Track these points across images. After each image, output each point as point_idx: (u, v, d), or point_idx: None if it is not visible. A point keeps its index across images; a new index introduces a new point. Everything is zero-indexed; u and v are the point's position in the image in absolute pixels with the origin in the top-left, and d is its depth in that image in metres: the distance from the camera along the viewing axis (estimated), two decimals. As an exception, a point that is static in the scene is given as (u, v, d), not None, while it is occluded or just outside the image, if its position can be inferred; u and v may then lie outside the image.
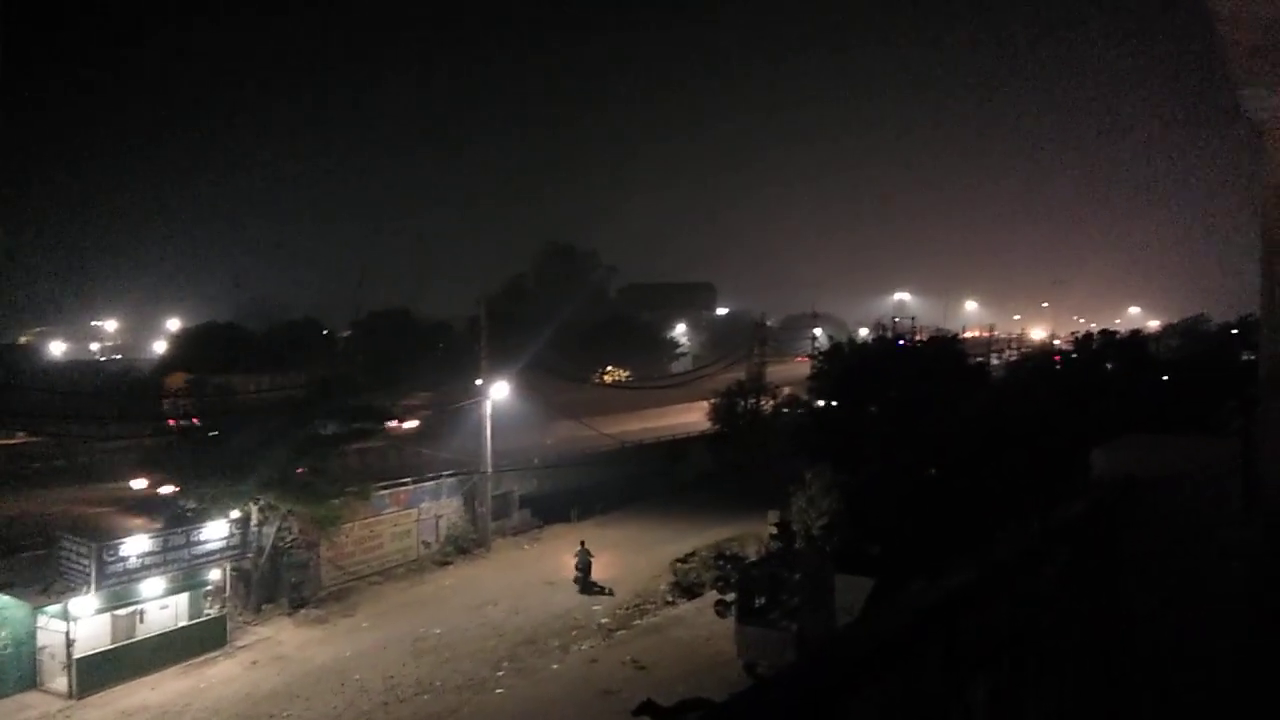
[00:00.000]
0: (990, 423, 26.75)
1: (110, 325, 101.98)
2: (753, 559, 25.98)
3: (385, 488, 31.16)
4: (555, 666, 22.38)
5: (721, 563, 26.64)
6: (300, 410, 28.30)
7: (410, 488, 32.69)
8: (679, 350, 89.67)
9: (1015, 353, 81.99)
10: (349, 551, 29.47)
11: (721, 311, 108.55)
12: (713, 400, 48.99)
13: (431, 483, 33.63)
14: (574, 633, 24.66)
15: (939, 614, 2.34)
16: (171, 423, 31.36)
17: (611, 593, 28.14)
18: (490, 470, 34.25)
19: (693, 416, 51.44)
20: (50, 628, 21.31)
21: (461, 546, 33.28)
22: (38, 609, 21.20)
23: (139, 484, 27.16)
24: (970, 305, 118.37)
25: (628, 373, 74.29)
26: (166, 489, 25.53)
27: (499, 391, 34.54)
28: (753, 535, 32.45)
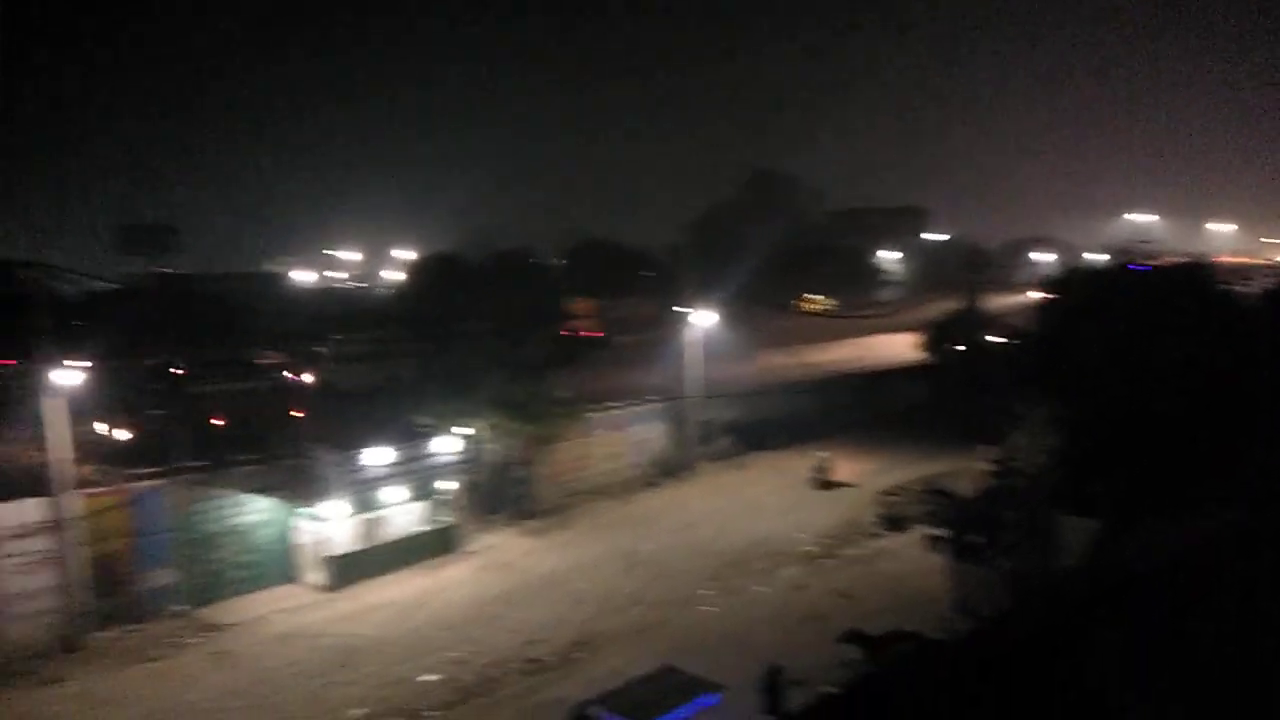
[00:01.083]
0: (1237, 356, 24.31)
1: (349, 255, 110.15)
2: (966, 495, 25.16)
3: (596, 410, 32.43)
4: (760, 589, 22.78)
5: (933, 497, 25.98)
6: (516, 335, 29.81)
7: (620, 411, 33.84)
8: (887, 278, 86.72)
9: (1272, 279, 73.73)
10: (564, 470, 31.03)
11: (934, 237, 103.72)
12: (922, 330, 47.30)
13: (639, 407, 34.67)
14: (779, 558, 24.95)
15: (1201, 556, 2.22)
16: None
17: (854, 486, 30.67)
18: (694, 397, 34.84)
19: (900, 347, 49.93)
20: (306, 528, 23.85)
21: (667, 470, 34.25)
22: (296, 511, 23.72)
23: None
24: (1218, 227, 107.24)
25: (833, 301, 72.81)
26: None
27: (702, 319, 34.81)
28: (965, 470, 31.41)
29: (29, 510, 19.58)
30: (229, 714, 16.87)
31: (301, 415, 28.67)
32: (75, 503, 19.98)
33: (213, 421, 27.13)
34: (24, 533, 19.48)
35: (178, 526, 21.89)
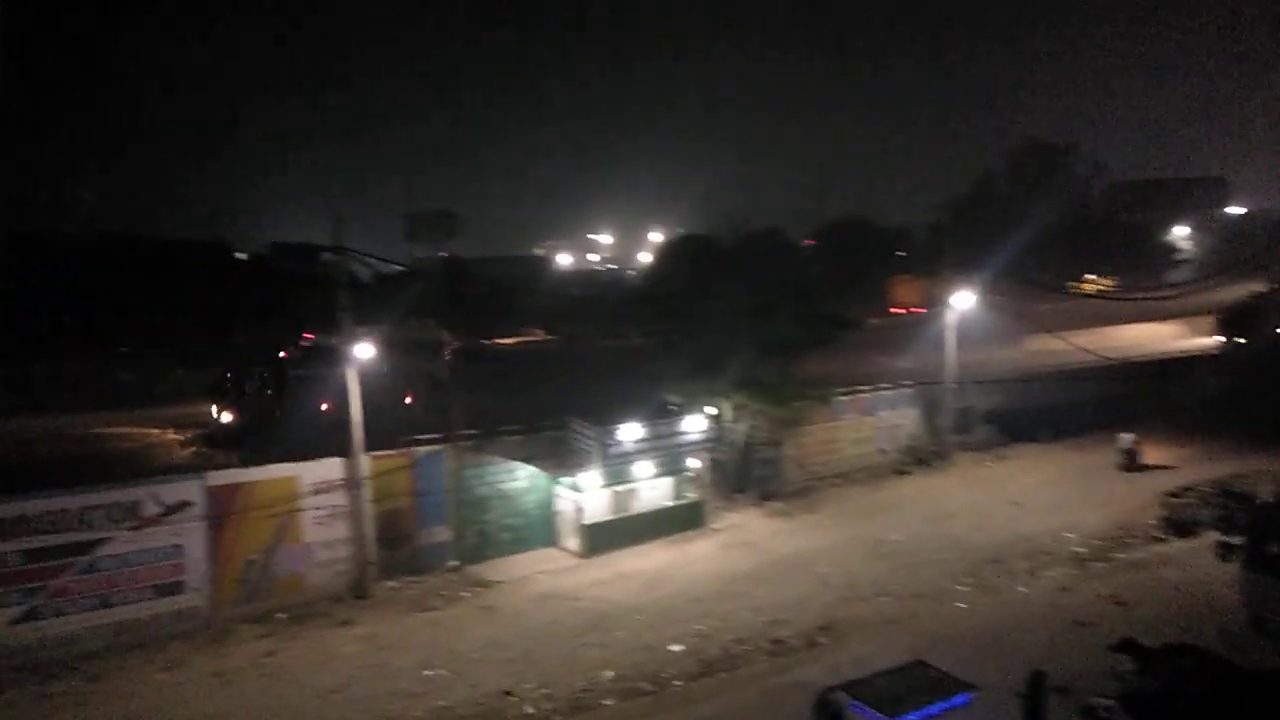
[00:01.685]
0: None
1: (605, 238, 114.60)
2: (1266, 499, 22.37)
3: (845, 394, 31.79)
4: (1021, 589, 21.46)
5: (1227, 500, 23.32)
6: (765, 316, 29.67)
7: (869, 395, 32.97)
8: (1178, 256, 78.46)
9: None
10: (811, 452, 30.71)
11: (1235, 211, 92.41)
12: (1219, 315, 42.40)
13: (890, 391, 33.60)
14: (1043, 557, 23.37)
15: None
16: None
17: (1170, 468, 30.16)
18: (951, 383, 33.26)
19: (1190, 333, 45.04)
20: (564, 496, 25.17)
21: (920, 457, 32.99)
22: (555, 479, 25.08)
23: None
24: None
25: (1113, 281, 66.87)
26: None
27: (963, 300, 33.07)
28: (1267, 472, 28.01)
29: (329, 469, 22.00)
30: (494, 664, 18.17)
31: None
32: (366, 463, 22.22)
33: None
34: (324, 489, 21.92)
35: (453, 488, 23.82)
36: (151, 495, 19.75)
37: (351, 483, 22.04)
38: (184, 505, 20.03)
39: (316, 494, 21.79)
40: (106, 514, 19.25)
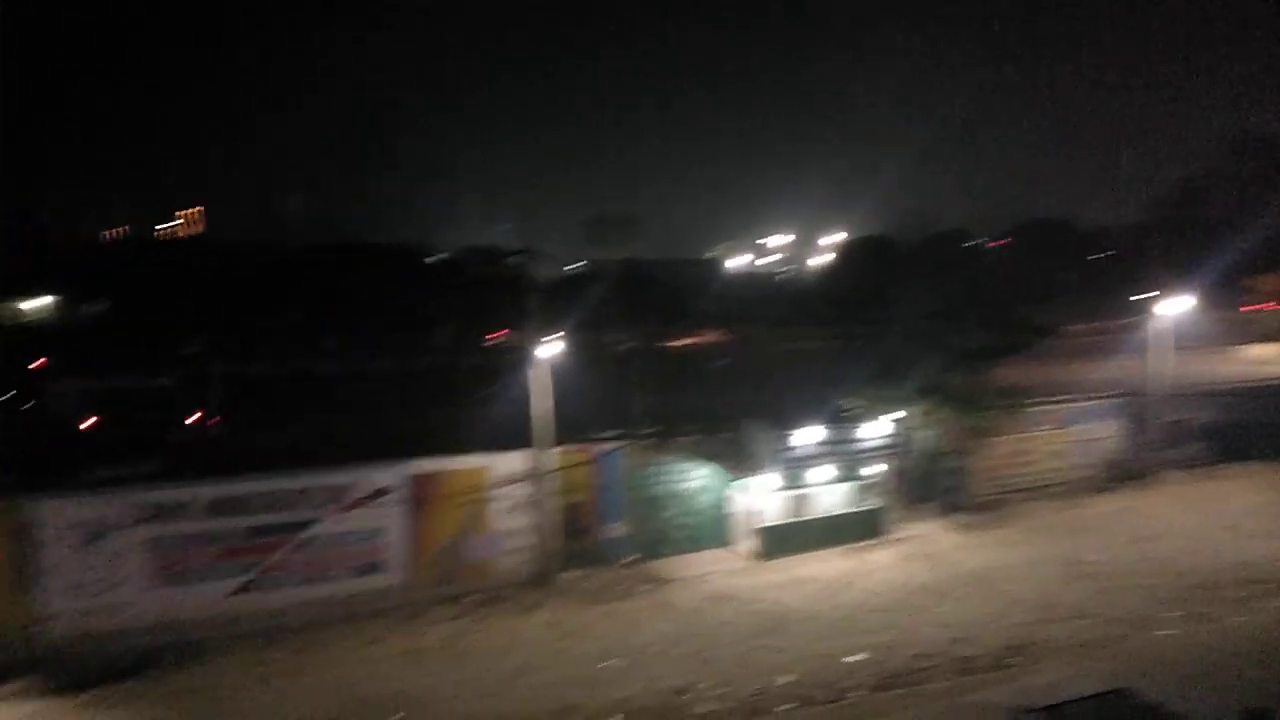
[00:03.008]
0: None
1: (779, 240, 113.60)
2: None
3: (1039, 404, 30.18)
4: (1238, 619, 19.70)
5: None
6: (951, 320, 28.62)
7: (1067, 407, 31.15)
8: None
9: None
10: (1000, 464, 29.31)
11: None
12: None
13: (1091, 403, 31.61)
14: (1264, 585, 21.39)
15: None
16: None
17: None
18: (1157, 395, 30.94)
19: None
20: (739, 498, 25.16)
21: (1122, 474, 30.83)
22: (731, 481, 25.11)
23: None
24: None
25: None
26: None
27: (1173, 307, 30.69)
28: None
29: (517, 461, 22.90)
30: (669, 660, 18.40)
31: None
32: (552, 457, 22.99)
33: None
34: (512, 480, 22.83)
35: (631, 485, 24.29)
36: (359, 480, 21.22)
37: (537, 475, 22.86)
38: (387, 490, 21.41)
39: (505, 484, 22.73)
40: (319, 496, 20.85)
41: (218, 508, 20.02)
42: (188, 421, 28.96)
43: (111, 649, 18.68)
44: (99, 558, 19.06)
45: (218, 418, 29.37)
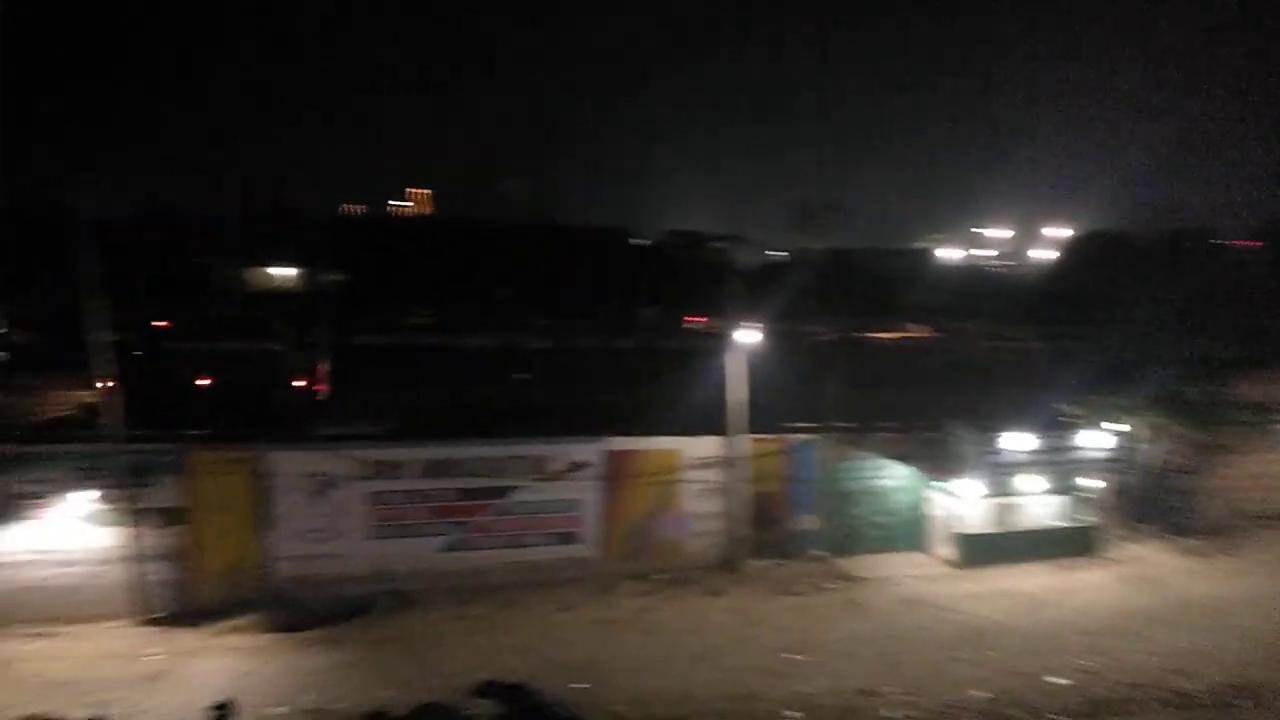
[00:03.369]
0: None
1: (996, 233, 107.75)
2: None
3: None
4: None
5: None
6: (1193, 327, 26.19)
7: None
8: None
9: None
10: (1236, 486, 26.61)
11: None
12: None
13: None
14: None
15: None
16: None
17: None
18: None
19: None
20: (938, 501, 24.19)
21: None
22: (930, 483, 24.18)
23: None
24: None
25: None
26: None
27: None
28: None
29: (710, 445, 23.03)
30: (856, 660, 18.01)
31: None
32: (744, 444, 22.96)
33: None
34: (704, 464, 22.99)
35: (823, 479, 23.89)
36: (560, 453, 22.05)
37: (729, 461, 22.91)
38: (585, 465, 22.13)
39: (696, 468, 22.94)
40: (522, 465, 21.84)
41: (432, 469, 21.35)
42: (294, 384, 29.89)
43: (330, 593, 20.38)
44: (325, 508, 20.79)
45: (323, 383, 29.91)
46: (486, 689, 14.89)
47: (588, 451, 22.26)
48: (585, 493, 22.26)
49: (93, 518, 19.31)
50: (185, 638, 18.51)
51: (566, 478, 22.11)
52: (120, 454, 18.95)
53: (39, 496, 19.14)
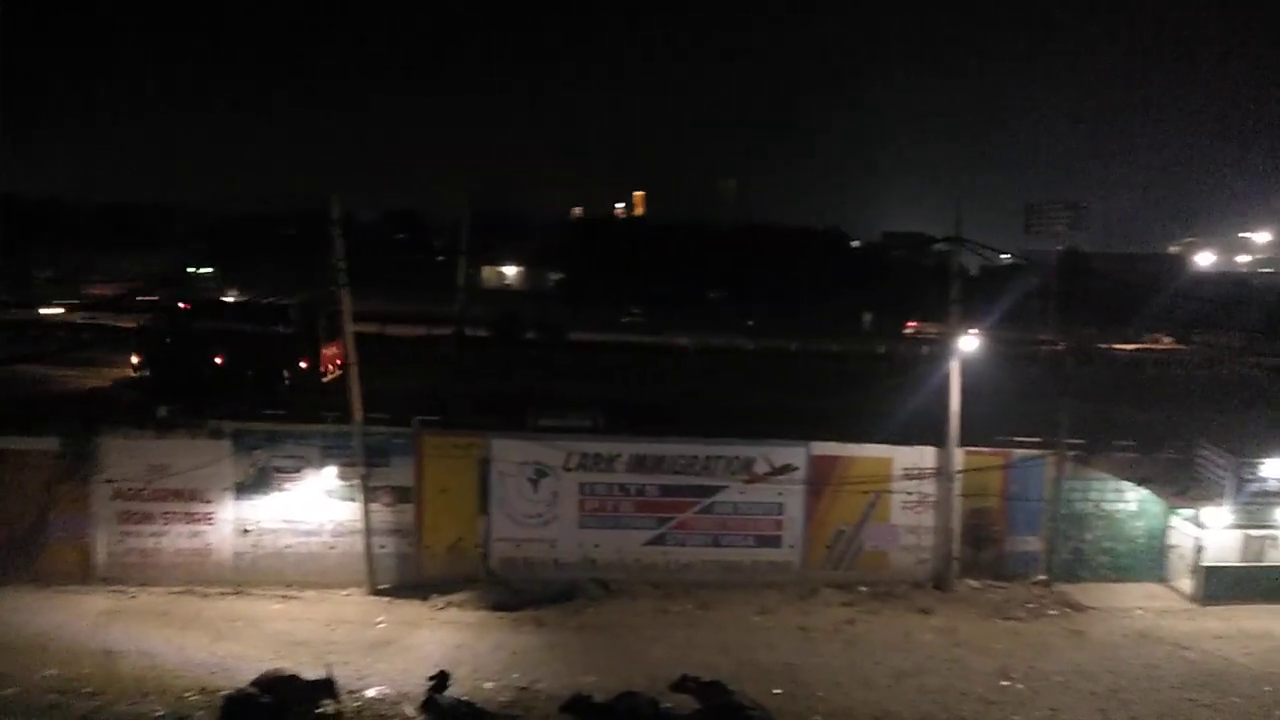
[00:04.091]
0: None
1: (1262, 237, 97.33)
2: None
3: None
4: None
5: None
6: None
7: None
8: None
9: None
10: None
11: None
12: None
13: None
14: None
15: None
16: None
17: None
18: None
19: None
20: (1181, 529, 22.05)
21: None
22: (1172, 509, 22.08)
23: None
24: None
25: None
26: None
27: None
28: None
29: (921, 456, 22.12)
30: (1077, 693, 16.77)
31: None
32: (962, 457, 21.88)
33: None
34: (917, 475, 22.12)
35: (1049, 499, 22.35)
36: (764, 455, 21.90)
37: (943, 473, 21.92)
38: (789, 468, 21.86)
39: (907, 479, 22.11)
40: (726, 465, 21.87)
41: (638, 464, 21.79)
42: (301, 365, 30.79)
43: (540, 577, 21.24)
44: (539, 495, 21.70)
45: (333, 366, 30.20)
46: (684, 684, 15.00)
47: (793, 454, 21.97)
48: (789, 497, 21.98)
49: (334, 493, 21.09)
50: (409, 609, 19.87)
51: (771, 480, 21.92)
52: (360, 435, 20.57)
53: (289, 471, 21.12)
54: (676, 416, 25.71)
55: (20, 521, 20.59)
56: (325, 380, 30.20)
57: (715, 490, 21.90)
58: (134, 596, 19.91)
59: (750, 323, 57.42)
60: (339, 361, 26.65)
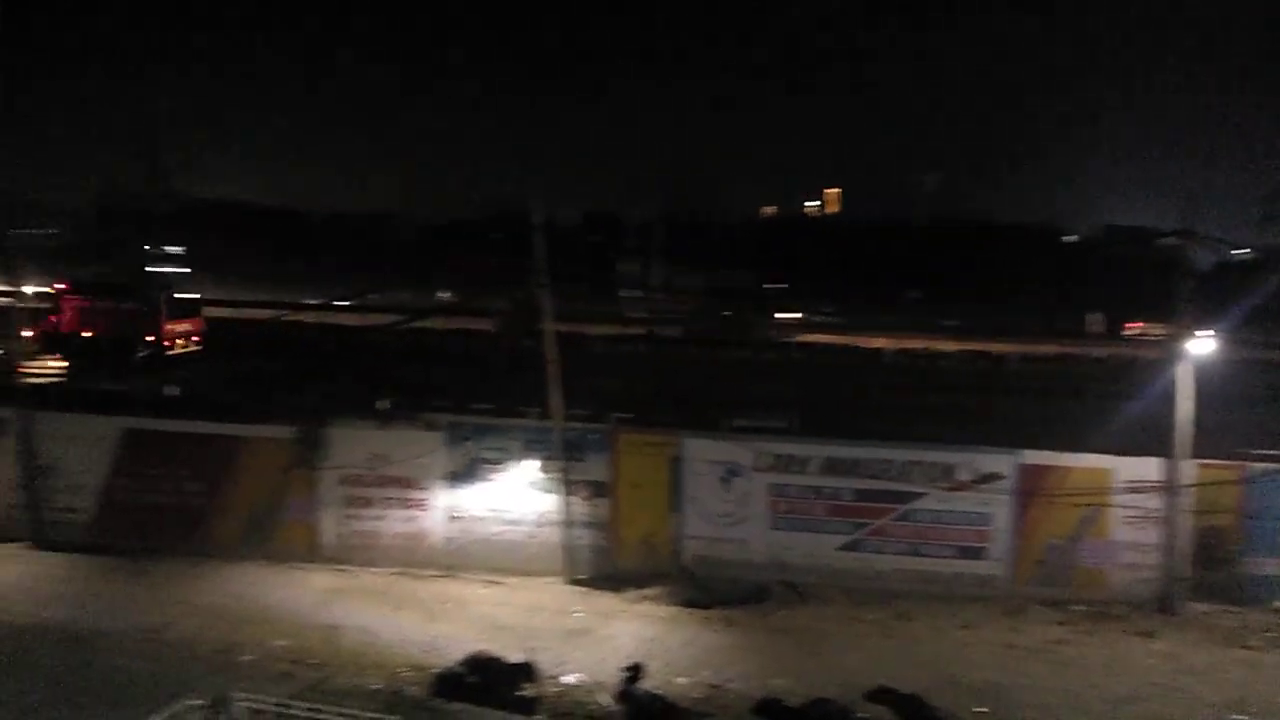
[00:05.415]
0: None
1: None
2: None
3: None
4: None
5: None
6: None
7: None
8: None
9: None
10: None
11: None
12: None
13: None
14: None
15: None
16: None
17: None
18: None
19: None
20: None
21: None
22: None
23: None
24: None
25: None
26: None
27: None
28: None
29: (1148, 468, 20.44)
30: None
31: None
32: (1191, 470, 20.08)
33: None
34: (1140, 488, 20.47)
35: (1293, 518, 20.15)
36: (967, 461, 20.95)
37: (1170, 487, 20.19)
38: (995, 476, 20.79)
39: (1129, 492, 20.53)
40: (925, 471, 21.08)
41: (832, 466, 21.38)
42: (147, 339, 34.71)
43: (730, 577, 21.22)
44: (730, 495, 21.71)
45: (179, 342, 35.49)
46: (881, 695, 14.61)
47: (1001, 462, 20.87)
48: (995, 507, 20.89)
49: (535, 485, 21.95)
50: (605, 600, 20.40)
51: (975, 489, 20.93)
52: (559, 430, 21.31)
53: (494, 462, 22.16)
54: (872, 419, 25.04)
55: (259, 502, 22.70)
56: (170, 354, 35.03)
57: (914, 497, 21.14)
58: (355, 576, 21.48)
59: (952, 323, 55.11)
60: (185, 339, 34.78)
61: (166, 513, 22.83)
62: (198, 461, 23.03)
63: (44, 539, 22.81)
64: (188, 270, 76.95)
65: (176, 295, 37.06)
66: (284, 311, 56.66)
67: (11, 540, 22.81)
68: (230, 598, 19.84)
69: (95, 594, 19.98)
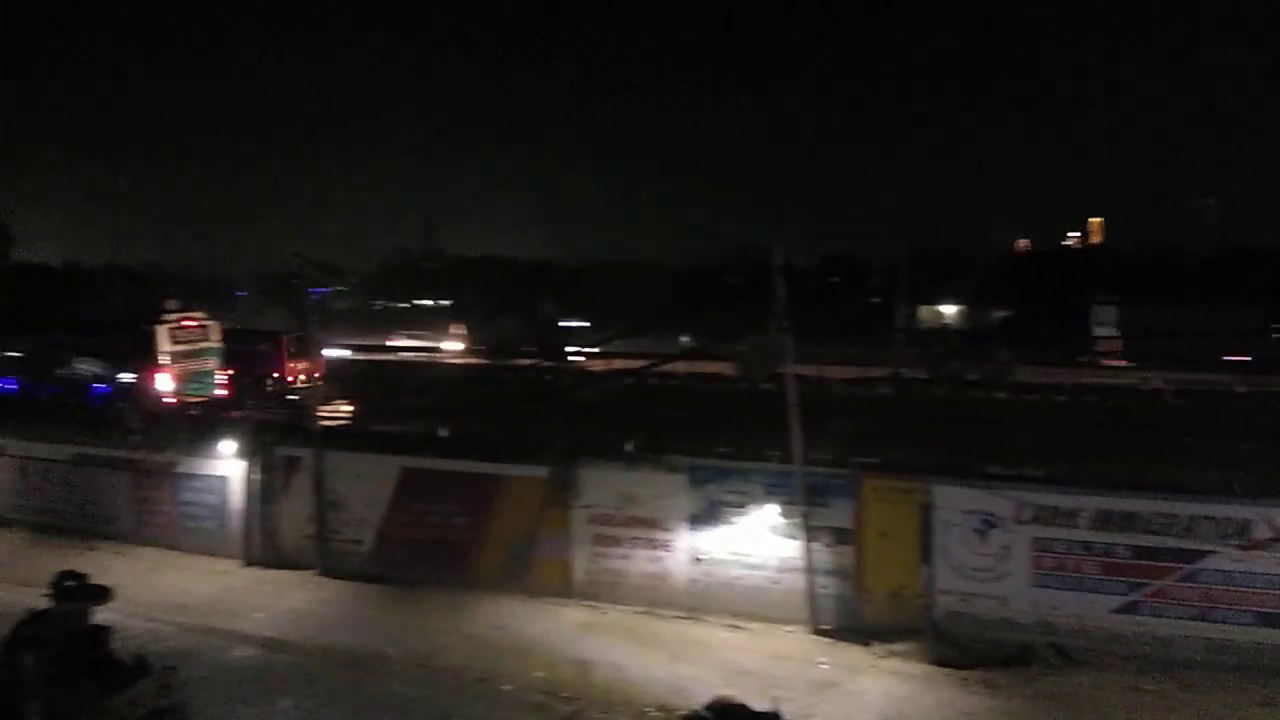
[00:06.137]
0: None
1: None
2: None
3: None
4: None
5: None
6: None
7: None
8: None
9: None
10: None
11: None
12: None
13: None
14: None
15: None
16: None
17: None
18: None
19: None
20: None
21: None
22: None
23: None
24: None
25: None
26: None
27: None
28: None
29: None
30: None
31: None
32: None
33: None
34: None
35: None
36: (1265, 516, 18.59)
37: None
38: (1297, 535, 18.33)
39: None
40: (1215, 527, 18.90)
41: (1103, 520, 19.63)
42: (274, 375, 40.58)
43: (988, 636, 19.90)
44: (986, 547, 20.42)
45: (299, 378, 40.07)
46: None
47: (1302, 518, 18.36)
48: (1299, 567, 18.36)
49: (776, 529, 21.72)
50: (850, 653, 19.74)
51: (1273, 547, 18.51)
52: (801, 475, 21.03)
53: (735, 506, 22.17)
54: (1146, 465, 22.84)
55: (517, 538, 23.98)
56: (293, 387, 39.11)
57: (1201, 555, 18.96)
58: (605, 612, 22.12)
59: (1244, 359, 49.39)
60: (306, 375, 39.34)
61: (436, 546, 24.63)
62: (464, 498, 24.70)
63: (330, 568, 25.24)
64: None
65: (299, 337, 42.87)
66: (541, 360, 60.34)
67: (303, 568, 25.44)
68: (492, 629, 21.03)
69: (373, 621, 21.84)
